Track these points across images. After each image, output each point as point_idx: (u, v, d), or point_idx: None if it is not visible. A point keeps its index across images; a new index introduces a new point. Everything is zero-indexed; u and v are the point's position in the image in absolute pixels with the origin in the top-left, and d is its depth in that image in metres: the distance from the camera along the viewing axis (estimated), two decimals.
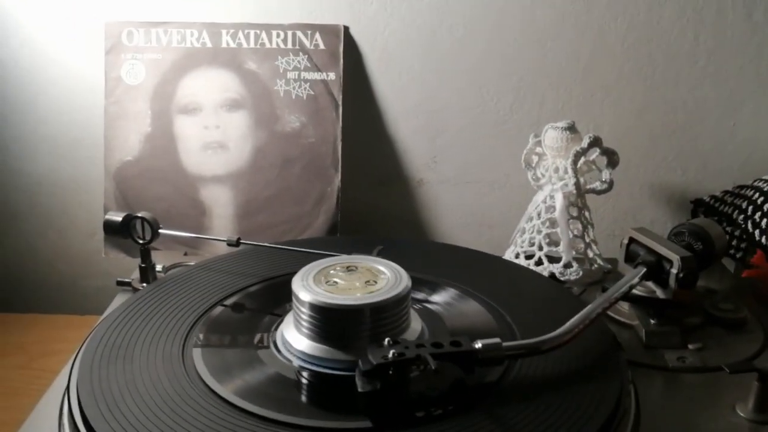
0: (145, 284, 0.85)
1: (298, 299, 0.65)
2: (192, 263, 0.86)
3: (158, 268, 0.87)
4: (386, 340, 0.60)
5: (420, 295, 0.77)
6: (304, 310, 0.65)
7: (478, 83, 1.01)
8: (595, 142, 0.88)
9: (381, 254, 0.76)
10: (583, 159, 0.89)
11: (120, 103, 1.00)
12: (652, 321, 0.78)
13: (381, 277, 0.68)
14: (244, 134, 0.99)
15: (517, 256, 0.92)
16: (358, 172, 1.04)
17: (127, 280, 0.88)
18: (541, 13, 0.97)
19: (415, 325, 0.69)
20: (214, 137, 0.99)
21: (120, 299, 0.85)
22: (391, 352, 0.58)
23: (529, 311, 0.73)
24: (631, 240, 0.84)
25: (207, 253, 0.98)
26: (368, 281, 0.67)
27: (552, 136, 0.89)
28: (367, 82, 1.01)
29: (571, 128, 0.88)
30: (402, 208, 1.07)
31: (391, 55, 1.00)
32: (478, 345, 0.61)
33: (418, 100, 1.02)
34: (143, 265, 0.85)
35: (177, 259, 0.95)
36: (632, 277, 0.78)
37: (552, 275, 0.89)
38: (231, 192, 1.00)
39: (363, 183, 1.05)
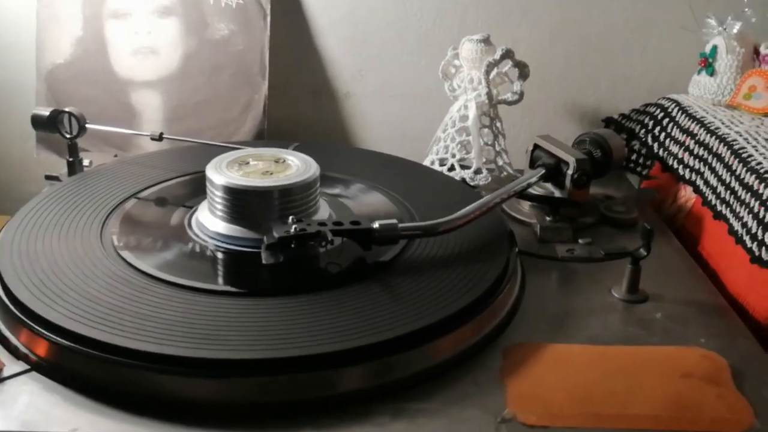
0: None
1: (212, 183, 0.69)
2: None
3: (86, 162, 0.90)
4: (290, 218, 0.65)
5: (333, 191, 0.82)
6: (217, 192, 0.69)
7: (407, 1, 1.05)
8: (507, 54, 0.93)
9: (297, 150, 0.81)
10: (495, 70, 0.94)
11: (52, 6, 1.01)
12: (548, 218, 0.84)
13: (291, 165, 0.73)
14: (175, 40, 1.02)
15: (432, 163, 0.98)
16: (287, 82, 1.07)
17: (54, 174, 0.90)
18: None
19: (323, 212, 0.74)
20: (145, 42, 1.02)
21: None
22: (294, 227, 0.64)
23: (433, 206, 0.79)
24: (536, 146, 0.90)
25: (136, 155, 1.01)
26: (280, 170, 0.72)
27: (468, 48, 0.94)
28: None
29: (486, 41, 0.93)
30: (329, 119, 1.11)
31: None
32: (376, 225, 0.66)
33: (345, 12, 1.05)
34: (71, 159, 0.88)
35: (107, 160, 0.98)
36: (531, 176, 0.84)
37: (463, 180, 0.95)
38: (161, 97, 1.03)
39: (292, 93, 1.09)
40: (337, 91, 1.10)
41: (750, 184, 0.77)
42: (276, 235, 0.63)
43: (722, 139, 0.85)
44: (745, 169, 0.79)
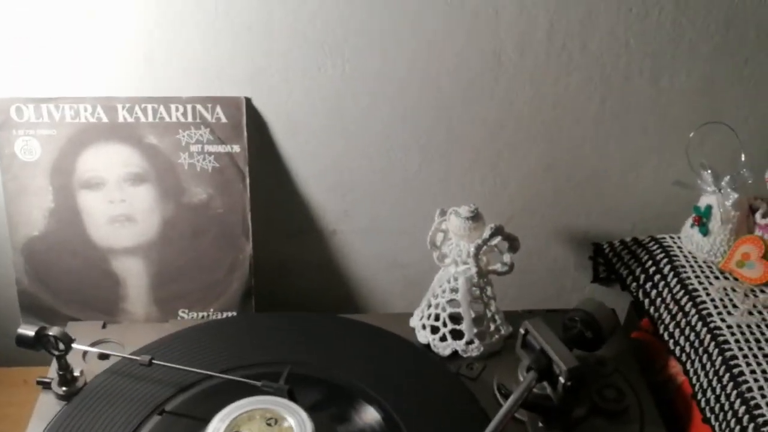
0: (64, 389, 0.88)
1: None
2: (108, 353, 0.89)
3: (76, 372, 0.89)
4: None
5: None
6: None
7: (386, 146, 1.00)
8: (497, 231, 0.91)
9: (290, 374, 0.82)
10: (485, 246, 0.92)
11: (18, 179, 0.97)
12: (540, 424, 0.85)
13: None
14: (151, 207, 0.98)
15: (423, 327, 0.97)
16: (271, 228, 1.04)
17: (46, 380, 0.90)
18: (446, 82, 0.95)
19: None
20: (121, 211, 0.98)
21: (44, 401, 0.87)
22: None
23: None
24: (527, 331, 0.89)
25: (125, 321, 1.00)
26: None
27: (456, 223, 0.91)
28: (275, 149, 0.99)
29: (474, 217, 0.90)
30: (317, 256, 1.09)
31: (297, 124, 0.97)
32: None
33: (327, 164, 1.01)
34: (61, 373, 0.88)
35: (96, 333, 0.97)
36: (526, 385, 0.85)
37: (455, 352, 0.95)
38: (143, 262, 1.00)
39: (277, 237, 1.06)
40: (323, 230, 1.07)
41: (736, 410, 0.77)
42: None
43: (713, 335, 0.85)
44: (732, 384, 0.79)
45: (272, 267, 1.07)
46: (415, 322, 0.99)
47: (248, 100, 0.96)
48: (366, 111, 0.97)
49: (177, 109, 0.95)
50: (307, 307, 1.10)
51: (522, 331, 0.89)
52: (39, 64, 0.92)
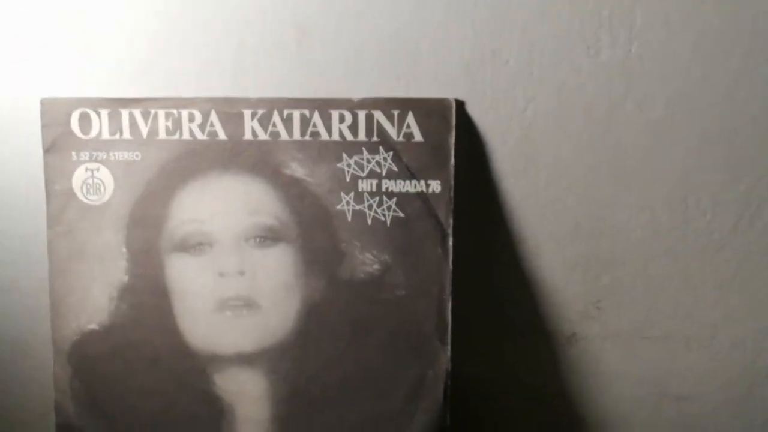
0: None
1: None
2: None
3: None
4: None
5: None
6: None
7: (683, 189, 0.60)
8: None
9: None
10: None
11: (73, 235, 0.59)
12: None
13: None
14: (287, 284, 0.59)
15: None
16: (476, 326, 0.63)
17: None
18: None
19: None
20: (236, 290, 0.59)
21: None
22: None
23: None
24: None
25: None
26: None
27: None
28: (494, 192, 0.60)
29: None
30: (542, 376, 0.66)
31: (536, 148, 0.58)
32: None
33: (579, 222, 0.61)
34: None
35: None
36: None
37: None
38: (265, 380, 0.60)
39: (483, 343, 0.64)
40: (555, 334, 0.65)
41: None
42: None
43: None
44: None
45: (472, 391, 0.65)
46: None
47: (460, 105, 0.57)
48: (655, 130, 0.57)
49: (341, 119, 0.57)
50: None
51: None
52: (118, 50, 0.56)
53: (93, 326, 0.60)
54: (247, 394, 0.60)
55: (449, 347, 0.59)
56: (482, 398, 0.66)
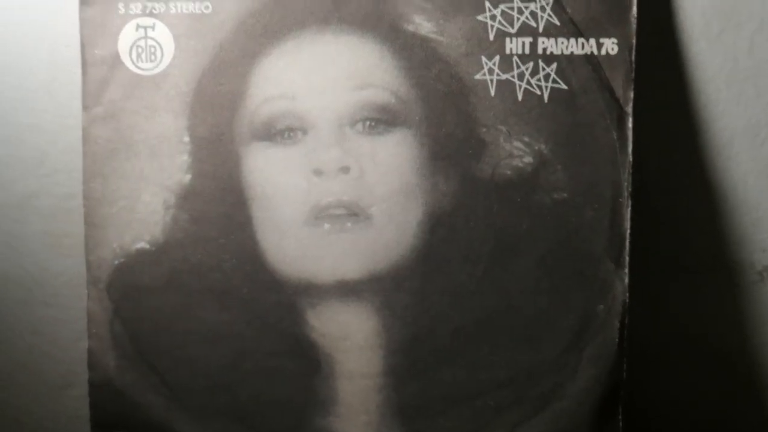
0: None
1: None
2: None
3: None
4: None
5: None
6: None
7: None
8: None
9: None
10: None
11: (117, 117, 0.44)
12: None
13: None
14: (407, 186, 0.43)
15: None
16: (650, 249, 0.48)
17: None
18: None
19: None
20: (338, 194, 0.44)
21: None
22: None
23: None
24: None
25: None
26: None
27: None
28: (687, 63, 0.45)
29: None
30: (723, 323, 0.50)
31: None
32: None
33: None
34: None
35: None
36: None
37: None
38: (375, 320, 0.45)
39: (656, 271, 0.49)
40: (740, 267, 0.50)
41: None
42: None
43: None
44: None
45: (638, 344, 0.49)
46: None
47: None
48: None
49: None
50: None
51: None
52: None
53: (142, 245, 0.44)
54: (350, 339, 0.44)
55: (627, 272, 0.44)
56: (642, 354, 0.50)
